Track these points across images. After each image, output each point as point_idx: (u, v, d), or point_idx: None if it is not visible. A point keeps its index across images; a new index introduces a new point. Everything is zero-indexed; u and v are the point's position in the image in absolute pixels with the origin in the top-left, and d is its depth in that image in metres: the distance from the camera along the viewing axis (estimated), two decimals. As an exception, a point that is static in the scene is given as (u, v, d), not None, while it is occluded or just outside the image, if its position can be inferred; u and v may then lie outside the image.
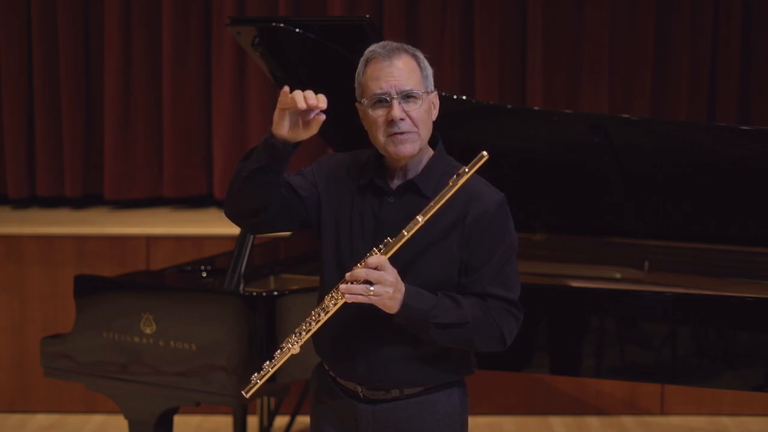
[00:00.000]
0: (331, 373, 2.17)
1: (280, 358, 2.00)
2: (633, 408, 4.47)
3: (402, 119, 1.98)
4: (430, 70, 2.07)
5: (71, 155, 5.08)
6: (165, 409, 2.93)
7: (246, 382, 2.01)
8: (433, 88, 2.07)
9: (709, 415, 4.47)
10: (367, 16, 3.18)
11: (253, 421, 4.16)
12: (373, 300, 1.93)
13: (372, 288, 1.92)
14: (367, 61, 2.04)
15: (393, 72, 1.99)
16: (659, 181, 3.25)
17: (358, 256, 1.99)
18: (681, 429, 4.34)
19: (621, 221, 3.46)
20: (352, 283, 1.93)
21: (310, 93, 1.91)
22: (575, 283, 3.08)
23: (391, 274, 1.93)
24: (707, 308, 2.76)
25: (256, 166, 2.00)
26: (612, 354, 2.83)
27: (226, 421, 4.31)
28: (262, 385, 2.01)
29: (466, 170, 1.95)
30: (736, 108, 5.02)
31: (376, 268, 1.92)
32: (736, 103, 5.02)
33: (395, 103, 1.98)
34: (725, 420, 4.43)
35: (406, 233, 1.94)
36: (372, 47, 2.05)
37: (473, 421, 4.38)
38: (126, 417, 3.00)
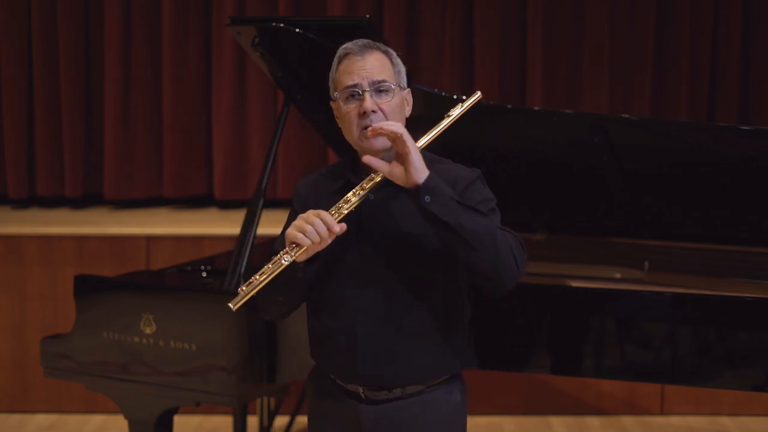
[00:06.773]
0: (330, 375, 2.15)
1: (273, 270, 1.92)
2: (633, 408, 4.47)
3: (374, 111, 1.99)
4: (403, 68, 2.09)
5: (71, 155, 5.09)
6: (165, 409, 2.93)
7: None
8: (406, 85, 2.09)
9: (709, 415, 4.47)
10: (367, 16, 3.18)
11: (253, 421, 4.16)
12: (405, 140, 1.89)
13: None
14: (341, 58, 2.06)
15: (365, 65, 2.02)
16: (659, 181, 3.25)
17: (349, 258, 2.02)
18: (681, 429, 4.34)
19: (621, 221, 3.46)
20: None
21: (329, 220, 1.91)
22: (575, 283, 3.08)
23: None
24: (707, 308, 2.76)
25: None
26: (612, 354, 2.82)
27: (226, 421, 4.31)
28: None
29: (463, 100, 1.99)
30: (736, 108, 5.02)
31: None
32: (736, 103, 5.03)
33: (367, 95, 2.00)
34: (725, 420, 4.43)
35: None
36: (345, 45, 2.07)
37: (473, 421, 4.41)
38: (126, 417, 3.00)
